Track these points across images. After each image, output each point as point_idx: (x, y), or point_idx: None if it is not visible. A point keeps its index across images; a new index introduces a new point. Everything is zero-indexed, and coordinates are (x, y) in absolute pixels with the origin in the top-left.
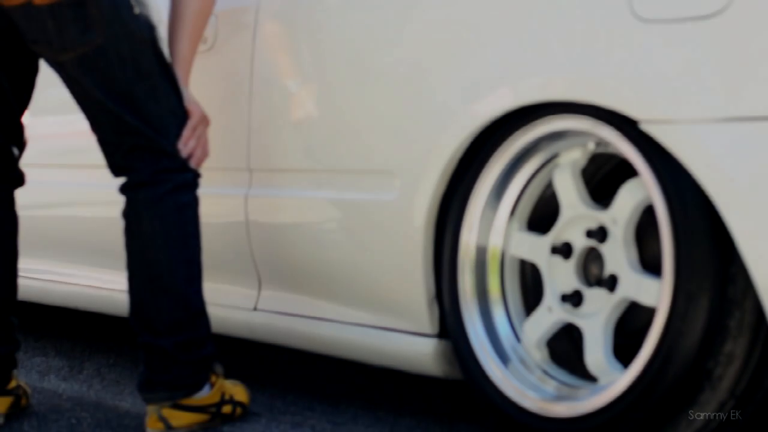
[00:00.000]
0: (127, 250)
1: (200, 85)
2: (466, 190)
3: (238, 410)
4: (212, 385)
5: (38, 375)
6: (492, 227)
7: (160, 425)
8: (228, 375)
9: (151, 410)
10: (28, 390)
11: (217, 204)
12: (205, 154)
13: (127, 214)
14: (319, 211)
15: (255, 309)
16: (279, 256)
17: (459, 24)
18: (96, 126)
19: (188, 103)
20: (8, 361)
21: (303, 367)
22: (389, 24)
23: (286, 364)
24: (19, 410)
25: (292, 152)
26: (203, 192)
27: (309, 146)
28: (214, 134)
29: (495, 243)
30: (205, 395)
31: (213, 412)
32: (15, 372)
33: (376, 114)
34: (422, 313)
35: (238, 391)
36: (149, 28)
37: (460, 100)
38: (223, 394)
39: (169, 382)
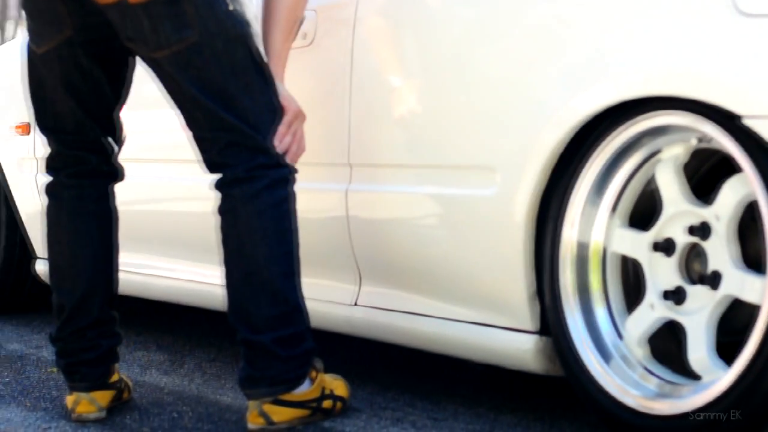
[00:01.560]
0: (223, 246)
1: (300, 80)
2: (567, 186)
3: (339, 405)
4: (312, 380)
5: (140, 369)
6: (593, 223)
7: (261, 420)
8: (328, 370)
9: (252, 406)
10: (130, 384)
11: (317, 199)
12: (301, 150)
13: (223, 210)
14: (419, 206)
15: (355, 304)
16: (379, 252)
17: (561, 19)
18: (191, 122)
19: (283, 99)
20: (110, 356)
21: (403, 363)
22: (491, 19)
23: (386, 359)
24: (120, 404)
25: (392, 147)
26: (303, 187)
27: (409, 141)
28: (314, 129)
29: (596, 239)
30: (305, 390)
31: (313, 407)
32: (117, 366)
33: (477, 109)
34: (523, 309)
35: (338, 385)
36: (243, 25)
37: (562, 96)
38: (323, 389)
39: (270, 378)
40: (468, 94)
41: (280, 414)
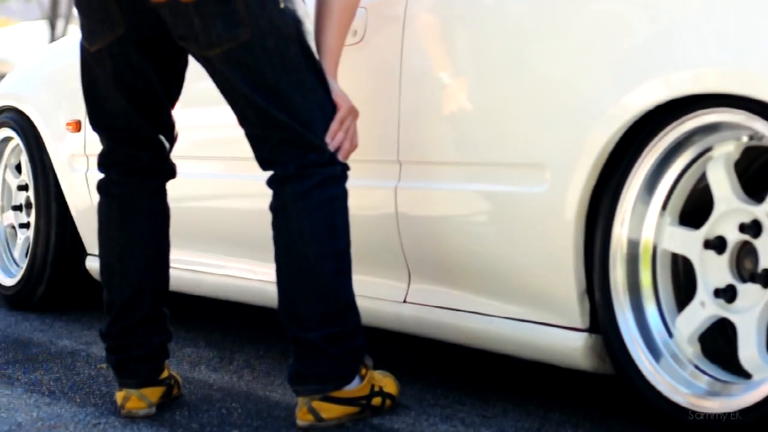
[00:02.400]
0: (275, 243)
1: (350, 77)
2: (617, 183)
3: (388, 402)
4: (362, 378)
5: (189, 365)
6: (644, 221)
7: (310, 417)
8: (377, 367)
9: (301, 402)
10: (180, 380)
11: (366, 196)
12: (353, 147)
13: (275, 207)
14: (469, 203)
15: (404, 301)
16: (429, 249)
17: (613, 16)
18: (243, 120)
19: (336, 96)
20: (160, 352)
21: (452, 361)
22: (542, 16)
23: (435, 357)
24: (170, 400)
25: (441, 144)
26: (353, 184)
27: (459, 139)
28: (364, 126)
29: (647, 237)
30: (355, 387)
31: (363, 404)
32: (167, 362)
33: (528, 106)
34: (573, 307)
35: (387, 382)
36: (295, 22)
37: (613, 93)
38: (373, 387)
39: (319, 375)
40: (519, 92)
41: (329, 411)
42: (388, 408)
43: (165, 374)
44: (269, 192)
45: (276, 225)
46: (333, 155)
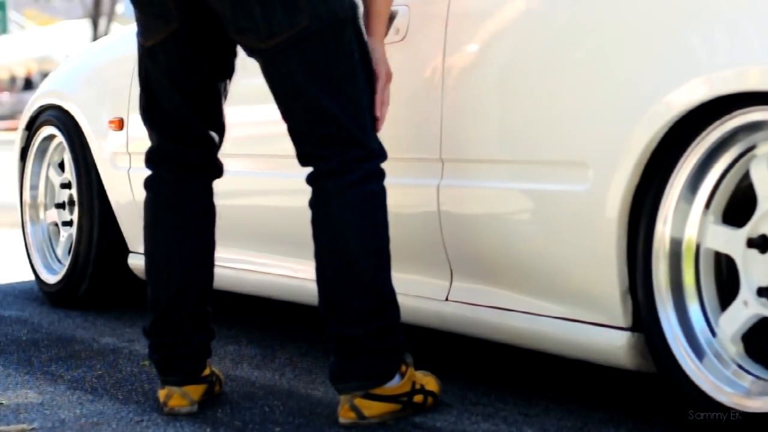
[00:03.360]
0: (315, 240)
1: (393, 75)
2: (660, 182)
3: (430, 400)
4: (403, 375)
5: (231, 363)
6: (687, 219)
7: (353, 415)
8: (420, 366)
9: (343, 400)
10: (222, 378)
11: (408, 194)
12: (387, 107)
13: (315, 204)
14: (511, 201)
15: (446, 299)
16: (471, 247)
17: (656, 14)
18: (288, 114)
19: (376, 61)
20: (203, 350)
21: (494, 359)
22: (585, 14)
23: (477, 355)
24: (212, 397)
25: (484, 143)
26: (395, 182)
27: (501, 137)
28: (406, 124)
29: (690, 235)
30: (396, 384)
31: (404, 401)
32: (209, 360)
33: (571, 105)
34: (615, 305)
35: (429, 381)
36: (351, 7)
37: (655, 91)
38: (414, 384)
39: (360, 372)
40: (561, 90)
41: (371, 408)
42: (430, 406)
43: (207, 372)
44: (308, 189)
45: (316, 221)
46: (373, 151)
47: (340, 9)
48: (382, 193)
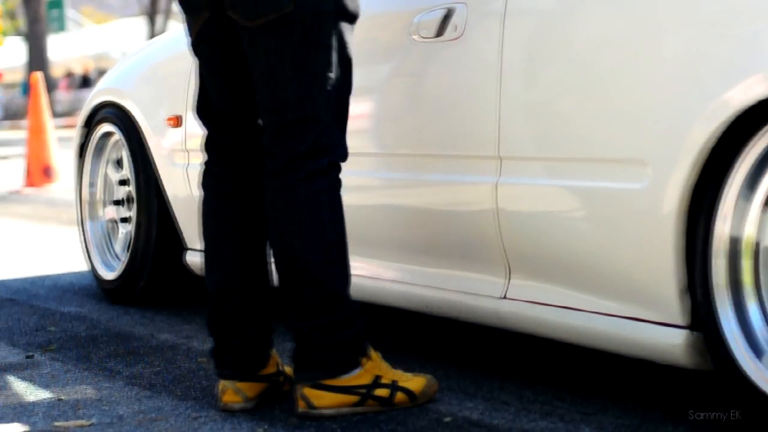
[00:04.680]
0: (268, 237)
1: (451, 72)
2: (719, 179)
3: (400, 396)
4: (361, 367)
5: (289, 360)
6: (746, 217)
7: (303, 404)
8: (475, 363)
9: (296, 390)
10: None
11: (465, 192)
12: None
13: (266, 202)
14: (569, 199)
15: (504, 297)
16: (528, 245)
17: (714, 12)
18: (258, 98)
19: None
20: (256, 345)
21: (551, 357)
22: (644, 11)
23: (534, 353)
24: (279, 395)
25: (541, 140)
26: (452, 180)
27: (559, 134)
28: (463, 122)
29: (749, 233)
30: (350, 376)
31: (362, 393)
32: (274, 359)
33: (629, 102)
34: (673, 303)
35: (410, 379)
36: (334, 2)
37: (715, 88)
38: (377, 377)
39: (310, 364)
40: (620, 87)
41: (321, 398)
42: (402, 403)
43: (270, 370)
44: (364, 185)
45: (268, 219)
46: (323, 147)
47: (324, 0)
48: (329, 190)
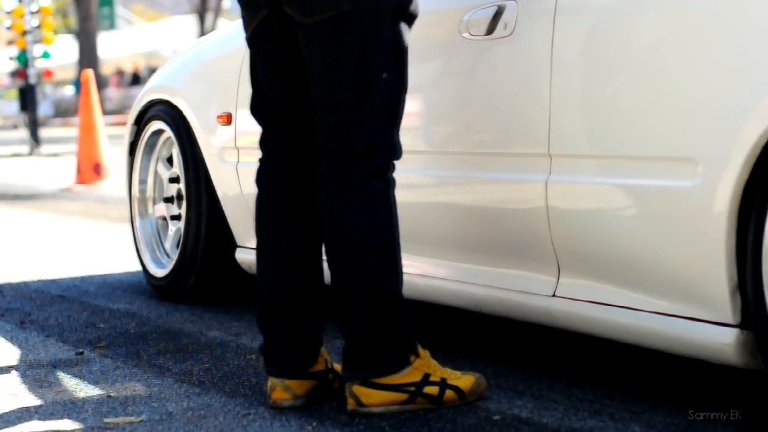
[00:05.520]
0: (323, 235)
1: (502, 70)
2: None
3: (450, 394)
4: (411, 365)
5: (338, 357)
6: None
7: (352, 402)
8: (526, 362)
9: (346, 387)
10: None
11: (516, 190)
12: None
13: (321, 201)
14: (620, 197)
15: (554, 295)
16: (579, 243)
17: (765, 11)
18: (314, 96)
19: None
20: (307, 343)
21: (601, 355)
22: (696, 8)
23: (584, 351)
24: (328, 392)
25: (592, 138)
26: (502, 177)
27: (610, 132)
28: (514, 119)
29: None
30: (401, 374)
31: (412, 391)
32: (323, 357)
33: (681, 100)
34: (724, 302)
35: (459, 377)
36: (392, 1)
37: (766, 87)
38: (427, 375)
39: (361, 362)
40: (671, 85)
41: (370, 396)
42: (452, 401)
43: (319, 367)
44: (418, 184)
45: (323, 217)
46: (380, 148)
47: (383, 0)
48: (385, 190)
